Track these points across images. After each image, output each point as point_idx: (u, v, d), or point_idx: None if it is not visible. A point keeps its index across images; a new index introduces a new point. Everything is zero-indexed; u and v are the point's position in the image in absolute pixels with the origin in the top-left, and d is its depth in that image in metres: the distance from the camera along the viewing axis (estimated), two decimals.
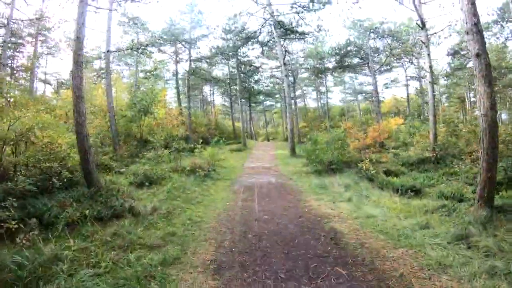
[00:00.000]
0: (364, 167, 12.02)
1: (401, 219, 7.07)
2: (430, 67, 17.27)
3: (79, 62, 8.89)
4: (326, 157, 13.69)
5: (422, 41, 17.83)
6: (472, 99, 41.61)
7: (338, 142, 14.29)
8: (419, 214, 7.49)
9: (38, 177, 8.37)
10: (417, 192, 9.81)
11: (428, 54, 17.43)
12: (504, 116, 33.53)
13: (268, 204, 8.80)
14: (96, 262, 4.64)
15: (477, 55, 6.90)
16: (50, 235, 5.48)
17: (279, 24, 22.82)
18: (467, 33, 7.20)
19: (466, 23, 7.20)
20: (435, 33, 20.22)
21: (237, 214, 7.68)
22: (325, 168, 13.88)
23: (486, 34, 30.27)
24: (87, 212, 6.58)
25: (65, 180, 8.63)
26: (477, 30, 7.00)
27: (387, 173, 12.80)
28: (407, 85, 37.01)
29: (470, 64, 32.84)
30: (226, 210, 8.09)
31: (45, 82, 38.04)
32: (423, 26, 17.24)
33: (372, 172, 11.77)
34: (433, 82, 17.87)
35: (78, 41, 9.11)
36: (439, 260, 4.75)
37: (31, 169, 8.48)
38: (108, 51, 19.69)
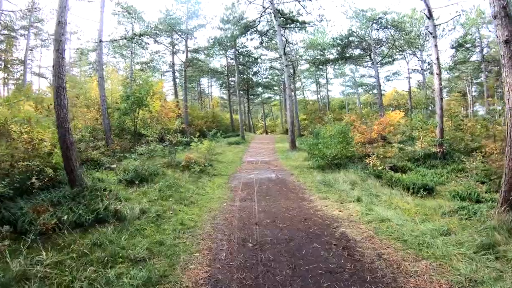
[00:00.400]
0: (372, 163, 11.25)
1: (417, 223, 6.37)
2: (437, 58, 16.46)
3: (60, 49, 8.06)
4: (329, 151, 12.91)
5: (429, 31, 17.04)
6: (474, 93, 41.11)
7: (342, 135, 13.49)
8: (436, 217, 6.85)
9: (17, 176, 7.67)
10: (429, 191, 9.12)
11: (435, 45, 16.65)
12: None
13: (268, 204, 8.04)
14: (70, 281, 3.88)
15: (506, 42, 6.11)
16: (22, 246, 4.71)
17: (279, 13, 21.86)
18: (495, 17, 6.40)
19: (494, 6, 6.39)
20: (440, 24, 19.44)
21: (235, 217, 6.90)
22: (328, 163, 13.15)
23: (490, 27, 29.64)
24: (65, 217, 5.80)
25: (46, 179, 7.93)
26: (505, 13, 6.21)
27: (394, 169, 12.14)
28: (409, 78, 36.14)
29: (474, 58, 32.33)
30: (223, 212, 7.31)
31: (40, 75, 37.27)
32: (430, 15, 16.49)
33: (379, 168, 11.03)
34: (440, 74, 17.12)
35: (60, 26, 8.25)
36: (469, 275, 4.09)
37: (7, 168, 7.74)
38: (100, 41, 18.76)
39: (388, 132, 17.35)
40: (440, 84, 16.46)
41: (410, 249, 5.10)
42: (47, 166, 8.58)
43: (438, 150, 14.09)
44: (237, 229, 6.06)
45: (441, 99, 16.28)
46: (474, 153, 12.82)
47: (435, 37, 16.77)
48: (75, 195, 7.11)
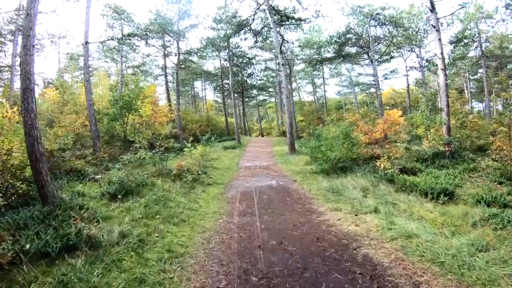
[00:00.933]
0: (382, 165, 10.23)
1: (448, 237, 5.48)
2: (442, 53, 15.61)
3: (28, 45, 7.01)
4: (334, 154, 11.86)
5: (432, 25, 16.21)
6: (472, 90, 40.49)
7: (346, 136, 12.51)
8: (467, 228, 5.93)
9: None
10: (449, 196, 8.16)
11: (439, 39, 15.80)
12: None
13: (272, 219, 6.92)
14: None
15: None
16: None
17: (274, 10, 20.86)
18: None
19: None
20: (443, 17, 18.69)
21: (233, 238, 5.76)
22: (333, 167, 12.12)
23: (489, 21, 29.00)
24: (28, 245, 4.77)
25: (15, 197, 6.85)
26: None
27: (404, 171, 11.20)
28: (407, 76, 35.30)
29: (471, 54, 31.64)
30: (219, 232, 6.14)
31: None
32: (433, 8, 15.71)
33: (390, 171, 10.02)
34: (445, 69, 16.30)
35: (29, 18, 7.25)
36: None
37: None
38: (86, 42, 17.78)
39: (393, 131, 16.42)
40: (446, 79, 15.66)
41: (450, 273, 4.23)
42: (20, 180, 7.55)
43: (447, 149, 13.20)
44: (237, 256, 4.95)
45: (447, 95, 15.47)
46: (488, 151, 12.10)
47: (438, 30, 15.93)
48: (45, 216, 6.04)
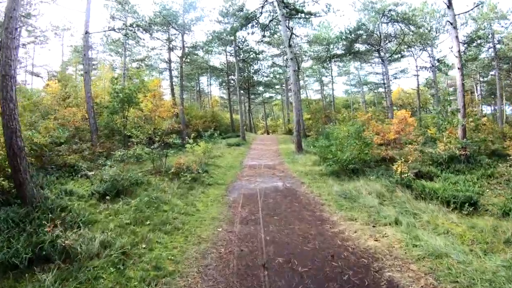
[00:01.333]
0: (399, 169, 9.37)
1: (480, 256, 4.73)
2: (459, 51, 14.74)
3: (10, 27, 6.30)
4: (345, 155, 11.01)
5: (449, 22, 15.38)
6: (483, 92, 39.37)
7: (358, 136, 11.72)
8: (500, 245, 5.19)
9: None
10: (474, 205, 7.40)
11: (456, 36, 14.95)
12: None
13: (279, 229, 6.06)
14: None
15: None
16: None
17: (283, 3, 19.95)
18: None
19: None
20: (460, 14, 17.83)
21: (233, 253, 4.92)
22: (343, 169, 11.30)
23: (503, 22, 27.99)
24: None
25: None
26: None
27: (419, 175, 10.44)
28: (417, 76, 34.20)
29: (483, 55, 30.62)
30: (217, 244, 5.29)
31: (33, 74, 35.71)
32: (450, 4, 14.90)
33: (407, 175, 9.21)
34: (462, 68, 15.47)
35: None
36: None
37: None
38: (86, 32, 17.16)
39: (407, 132, 15.61)
40: (463, 79, 14.86)
41: None
42: (4, 177, 6.88)
43: (462, 153, 12.40)
44: (236, 277, 4.14)
45: (464, 95, 14.66)
46: (508, 156, 11.46)
47: (455, 27, 15.11)
48: (21, 219, 5.33)
